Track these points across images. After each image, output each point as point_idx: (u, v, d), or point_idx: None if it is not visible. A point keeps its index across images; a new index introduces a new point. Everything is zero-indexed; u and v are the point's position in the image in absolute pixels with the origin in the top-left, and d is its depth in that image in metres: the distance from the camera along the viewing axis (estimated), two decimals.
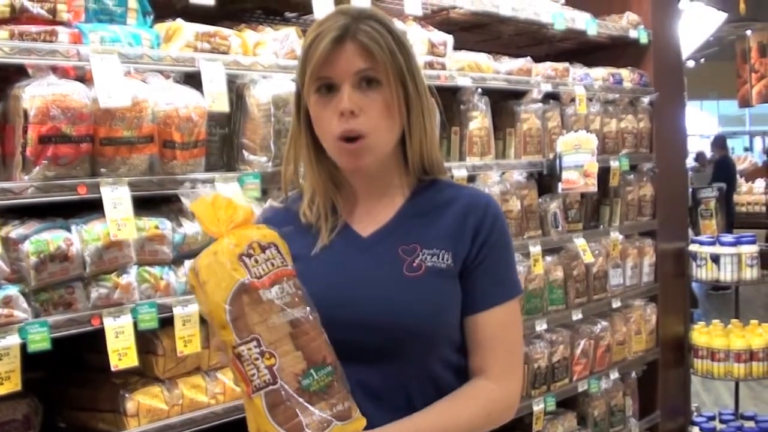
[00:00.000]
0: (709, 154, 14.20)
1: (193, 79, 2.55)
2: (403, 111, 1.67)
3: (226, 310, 1.42)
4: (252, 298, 1.43)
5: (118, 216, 2.29)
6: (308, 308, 1.48)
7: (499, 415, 1.71)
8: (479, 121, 3.54)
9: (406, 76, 1.66)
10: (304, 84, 1.66)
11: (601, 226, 4.32)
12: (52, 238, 2.22)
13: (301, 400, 1.41)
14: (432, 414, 1.62)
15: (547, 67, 3.94)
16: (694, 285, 6.38)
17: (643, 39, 4.46)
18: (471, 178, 3.47)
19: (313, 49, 1.61)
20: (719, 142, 13.65)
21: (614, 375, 4.22)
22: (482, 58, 3.60)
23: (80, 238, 2.29)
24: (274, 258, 1.48)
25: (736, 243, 4.80)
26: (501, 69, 3.70)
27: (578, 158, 3.82)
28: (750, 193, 13.30)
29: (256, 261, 1.46)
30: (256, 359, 1.41)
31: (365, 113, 1.61)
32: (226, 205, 1.51)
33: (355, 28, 1.62)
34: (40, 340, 2.16)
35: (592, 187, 3.89)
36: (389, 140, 1.68)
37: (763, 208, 12.48)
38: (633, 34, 4.41)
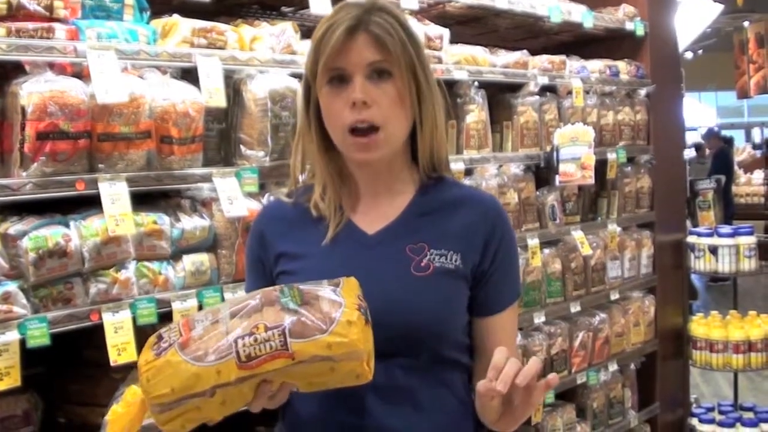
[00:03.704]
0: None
1: (190, 75, 2.55)
2: (414, 103, 1.67)
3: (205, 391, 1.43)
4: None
5: (117, 211, 2.29)
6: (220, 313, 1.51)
7: None
8: (476, 114, 3.54)
9: (417, 68, 1.67)
10: (315, 75, 1.66)
11: (599, 219, 4.33)
12: (50, 234, 2.23)
13: (304, 310, 1.45)
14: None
15: (544, 60, 3.94)
16: (693, 276, 6.39)
17: (640, 31, 4.45)
18: (468, 172, 3.48)
19: (326, 40, 1.62)
20: (711, 134, 13.75)
21: (613, 367, 4.23)
22: (479, 52, 3.60)
23: (79, 234, 2.29)
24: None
25: (734, 234, 4.80)
26: (497, 62, 3.70)
27: (575, 151, 3.82)
28: (749, 185, 13.32)
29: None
30: (266, 341, 1.42)
31: (377, 104, 1.62)
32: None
33: (367, 19, 1.63)
34: (39, 335, 2.17)
35: (590, 179, 3.90)
36: (402, 132, 1.68)
37: (762, 200, 12.51)
38: (629, 26, 4.41)
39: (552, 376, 1.44)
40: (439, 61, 3.36)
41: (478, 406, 1.52)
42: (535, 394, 1.45)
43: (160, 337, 1.48)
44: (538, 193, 3.89)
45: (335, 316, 1.43)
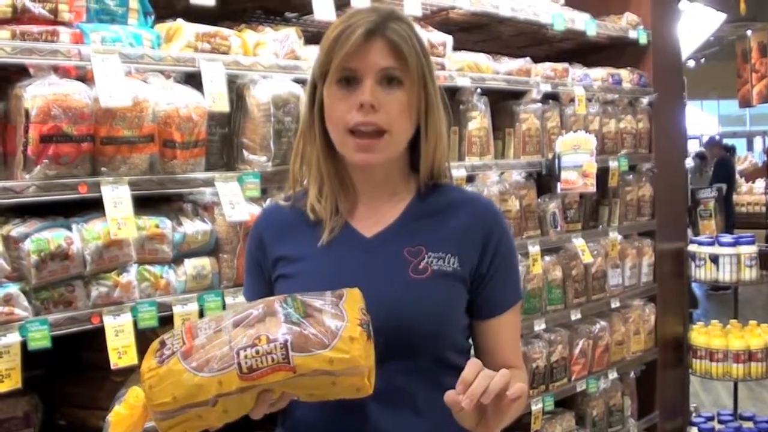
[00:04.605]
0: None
1: (193, 79, 2.56)
2: (422, 113, 1.68)
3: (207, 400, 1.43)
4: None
5: (119, 215, 2.29)
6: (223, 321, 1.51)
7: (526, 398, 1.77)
8: (478, 121, 3.55)
9: (428, 79, 1.68)
10: (324, 74, 1.66)
11: (600, 227, 4.33)
12: (52, 236, 2.24)
13: (307, 323, 1.44)
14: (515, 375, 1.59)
15: (547, 67, 3.95)
16: (694, 285, 6.38)
17: (643, 39, 4.46)
18: (470, 178, 3.48)
19: (343, 39, 1.62)
20: (713, 143, 13.76)
21: (613, 375, 4.23)
22: (481, 59, 3.61)
23: (81, 237, 2.30)
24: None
25: (735, 243, 4.80)
26: (500, 69, 3.71)
27: (577, 158, 3.82)
28: (750, 194, 13.31)
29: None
30: (268, 353, 1.42)
31: (385, 109, 1.62)
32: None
33: (386, 26, 1.64)
34: (40, 338, 2.17)
35: (591, 187, 3.90)
36: (404, 140, 1.70)
37: (763, 209, 12.49)
38: (632, 34, 4.42)
39: (511, 391, 1.42)
40: (442, 67, 3.36)
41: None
42: (504, 405, 1.44)
43: (162, 344, 1.48)
44: (539, 200, 3.89)
45: (337, 331, 1.43)
